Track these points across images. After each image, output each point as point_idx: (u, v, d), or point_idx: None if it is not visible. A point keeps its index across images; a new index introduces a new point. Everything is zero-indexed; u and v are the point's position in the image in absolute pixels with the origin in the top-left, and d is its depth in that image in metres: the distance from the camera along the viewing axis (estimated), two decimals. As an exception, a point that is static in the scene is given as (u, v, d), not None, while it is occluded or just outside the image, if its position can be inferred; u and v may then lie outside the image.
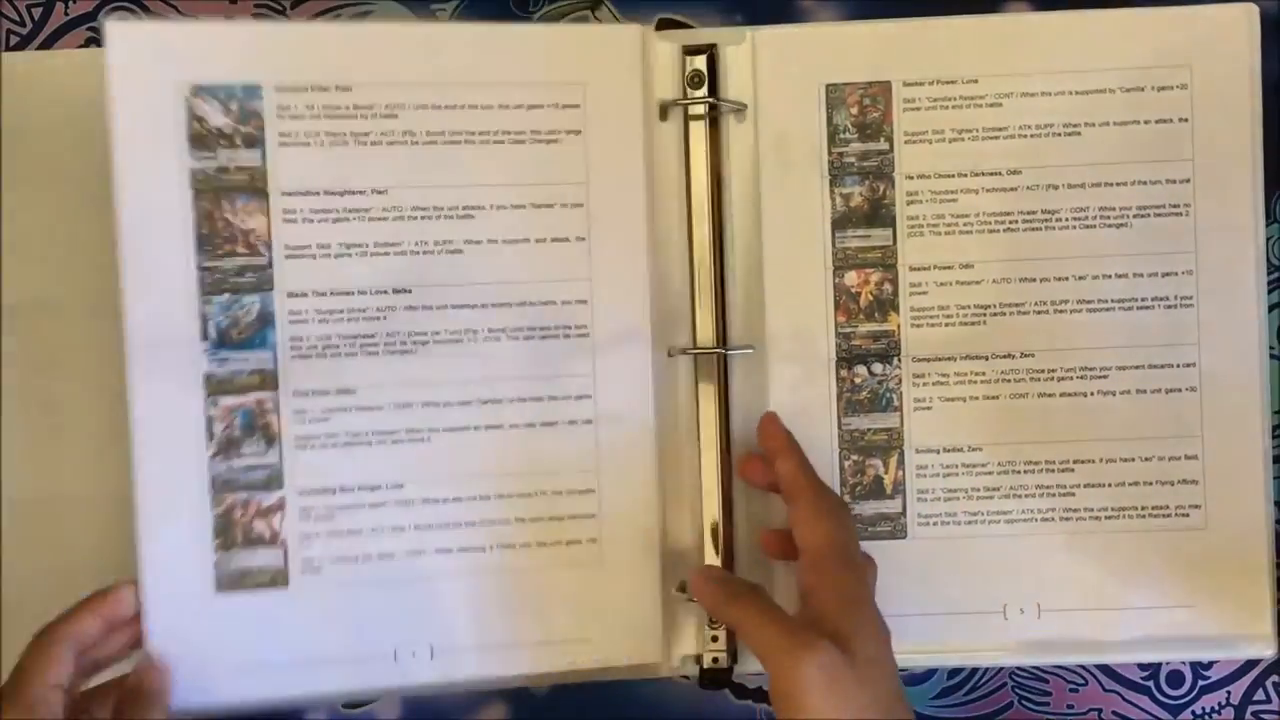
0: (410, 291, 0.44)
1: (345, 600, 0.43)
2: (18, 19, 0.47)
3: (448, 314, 0.44)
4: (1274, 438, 0.47)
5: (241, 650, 0.43)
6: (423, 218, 0.44)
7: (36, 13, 0.47)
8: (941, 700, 0.49)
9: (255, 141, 0.43)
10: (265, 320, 0.43)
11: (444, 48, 0.44)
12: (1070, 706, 0.49)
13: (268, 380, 0.43)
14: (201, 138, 0.42)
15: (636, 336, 0.45)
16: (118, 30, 0.42)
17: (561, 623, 0.45)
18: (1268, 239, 0.47)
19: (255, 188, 0.43)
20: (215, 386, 0.43)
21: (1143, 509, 0.46)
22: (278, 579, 0.43)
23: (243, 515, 0.43)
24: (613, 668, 0.45)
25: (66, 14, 0.48)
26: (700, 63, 0.45)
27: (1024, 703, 0.49)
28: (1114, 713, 0.49)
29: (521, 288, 0.44)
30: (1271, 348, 0.48)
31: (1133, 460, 0.46)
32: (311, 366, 0.43)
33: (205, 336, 0.43)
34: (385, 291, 0.44)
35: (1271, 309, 0.49)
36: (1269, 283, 0.48)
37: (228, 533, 0.43)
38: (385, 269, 0.44)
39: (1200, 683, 0.49)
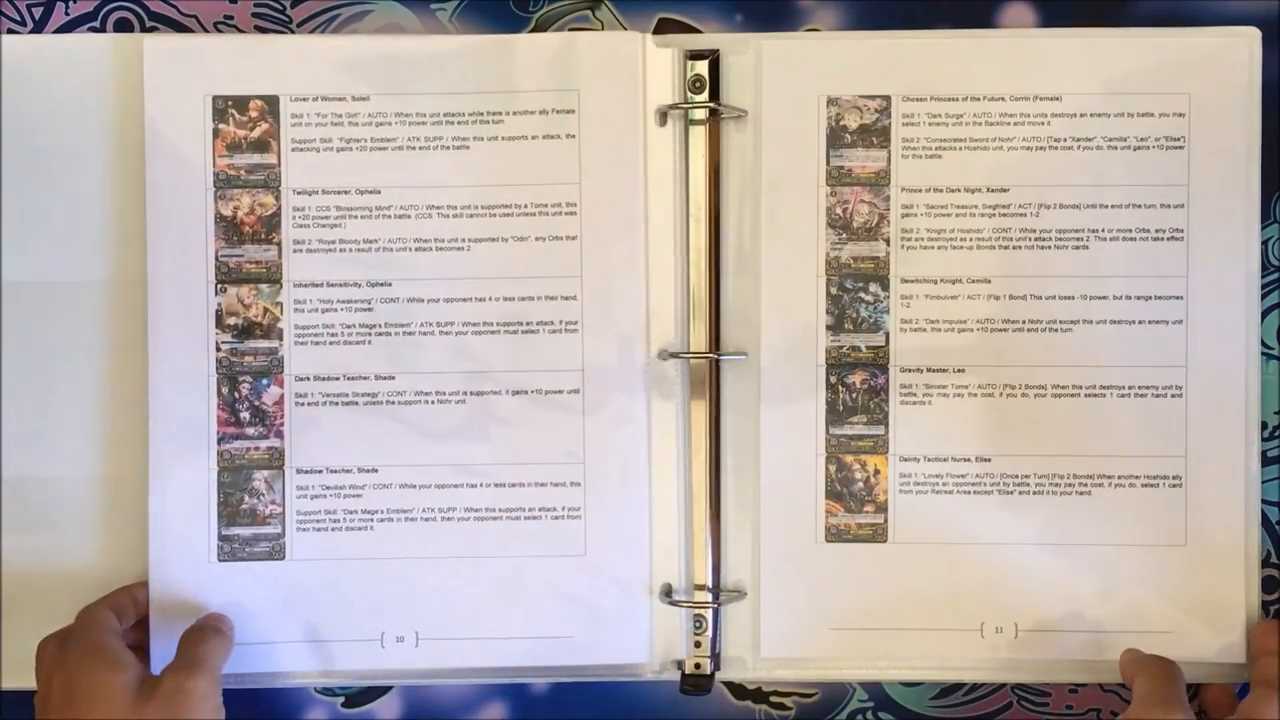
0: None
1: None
2: (18, 18, 0.48)
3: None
4: (1273, 439, 0.47)
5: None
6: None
7: (37, 12, 0.48)
8: (940, 700, 0.48)
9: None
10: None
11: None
12: (1069, 707, 0.48)
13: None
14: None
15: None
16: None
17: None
18: (1267, 239, 0.46)
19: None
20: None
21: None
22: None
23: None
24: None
25: (67, 14, 0.48)
26: (703, 68, 0.46)
27: (1023, 703, 0.48)
28: (1113, 712, 0.48)
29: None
30: (1271, 348, 0.47)
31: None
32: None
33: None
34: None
35: (1270, 310, 0.47)
36: (1269, 283, 0.47)
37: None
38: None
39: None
